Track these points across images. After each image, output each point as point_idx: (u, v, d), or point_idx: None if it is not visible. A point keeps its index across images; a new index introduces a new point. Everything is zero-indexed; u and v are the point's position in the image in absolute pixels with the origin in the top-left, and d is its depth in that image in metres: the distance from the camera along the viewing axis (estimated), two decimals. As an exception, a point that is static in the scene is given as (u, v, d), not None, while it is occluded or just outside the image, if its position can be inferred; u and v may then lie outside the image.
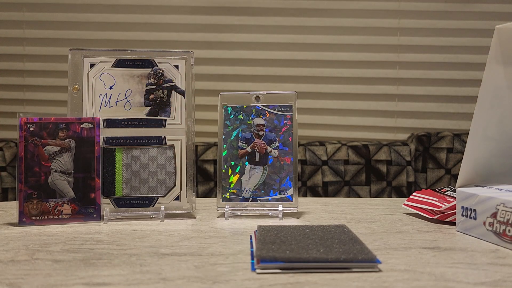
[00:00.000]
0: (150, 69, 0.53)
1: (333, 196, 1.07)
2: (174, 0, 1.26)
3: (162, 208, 0.50)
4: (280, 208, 0.51)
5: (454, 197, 0.47)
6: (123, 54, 0.52)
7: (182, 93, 0.53)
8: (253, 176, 0.53)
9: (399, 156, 1.07)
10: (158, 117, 0.52)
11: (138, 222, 0.49)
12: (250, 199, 0.53)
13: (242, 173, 0.53)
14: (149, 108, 0.52)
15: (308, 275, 0.28)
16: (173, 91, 0.53)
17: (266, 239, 0.34)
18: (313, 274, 0.28)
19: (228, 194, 0.53)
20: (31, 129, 0.48)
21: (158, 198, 0.51)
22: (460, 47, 1.24)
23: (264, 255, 0.30)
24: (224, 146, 0.53)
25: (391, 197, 1.05)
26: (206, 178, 1.08)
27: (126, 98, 0.52)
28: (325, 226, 0.40)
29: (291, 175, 0.53)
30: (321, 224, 0.41)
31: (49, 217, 0.47)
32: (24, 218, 0.47)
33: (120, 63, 0.52)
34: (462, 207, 0.42)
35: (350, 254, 0.30)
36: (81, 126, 0.49)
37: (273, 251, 0.31)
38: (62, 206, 0.48)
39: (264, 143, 0.53)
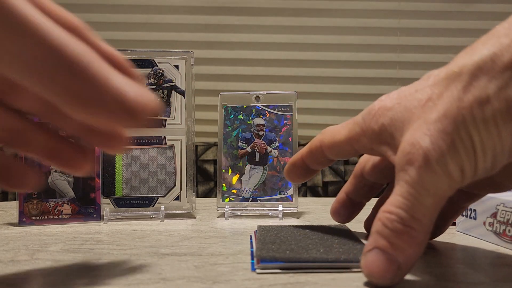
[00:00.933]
0: (150, 69, 0.53)
1: (333, 196, 1.06)
2: (174, 0, 1.26)
3: (162, 208, 0.50)
4: (280, 208, 0.51)
5: (454, 197, 0.47)
6: (123, 54, 0.52)
7: (182, 93, 0.53)
8: (253, 176, 0.53)
9: (399, 156, 1.07)
10: (158, 117, 0.52)
11: (138, 222, 0.49)
12: (250, 199, 0.53)
13: (242, 173, 0.53)
14: (149, 108, 0.52)
15: (308, 275, 0.28)
16: (173, 91, 0.53)
17: (266, 239, 0.34)
18: (313, 274, 0.28)
19: (228, 199, 0.53)
20: (31, 129, 0.48)
21: (158, 198, 0.51)
22: (461, 48, 1.24)
23: (264, 255, 0.30)
24: (224, 146, 0.53)
25: (391, 197, 1.05)
26: (206, 178, 1.08)
27: (126, 98, 0.52)
28: (325, 226, 0.40)
29: (291, 175, 0.53)
30: (321, 224, 0.41)
31: (49, 217, 0.47)
32: (24, 218, 0.46)
33: (120, 63, 0.52)
34: (462, 207, 0.42)
35: (350, 254, 0.30)
36: (81, 126, 0.49)
37: (273, 251, 0.31)
38: (62, 206, 0.48)
39: (264, 143, 0.53)
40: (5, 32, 0.17)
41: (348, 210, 0.40)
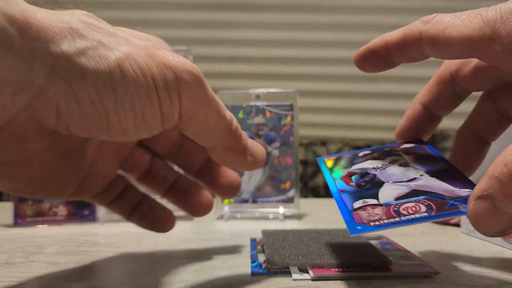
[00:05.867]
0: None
1: (334, 196, 1.06)
2: (173, -3, 1.25)
3: (161, 209, 0.50)
4: (281, 209, 0.50)
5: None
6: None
7: (181, 92, 0.52)
8: (253, 177, 0.52)
9: (400, 156, 1.07)
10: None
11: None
12: (250, 200, 0.52)
13: (241, 173, 0.52)
14: (147, 107, 0.51)
15: (311, 282, 0.28)
16: (171, 90, 0.52)
17: (274, 244, 0.33)
18: (315, 281, 0.28)
19: (227, 200, 0.52)
20: (27, 128, 0.47)
21: (156, 199, 0.51)
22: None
23: (277, 261, 0.29)
24: (224, 145, 0.53)
25: (392, 197, 1.04)
26: (206, 178, 1.07)
27: (124, 97, 0.51)
28: (332, 230, 0.39)
29: (292, 176, 0.52)
30: (327, 228, 0.40)
31: (44, 218, 0.47)
32: (19, 220, 0.46)
33: (118, 62, 0.51)
34: (467, 208, 0.41)
35: (364, 259, 0.29)
36: (78, 125, 0.48)
37: (284, 257, 0.30)
38: (58, 207, 0.47)
39: (264, 143, 0.52)
40: (208, 111, 0.23)
41: (421, 126, 0.32)
